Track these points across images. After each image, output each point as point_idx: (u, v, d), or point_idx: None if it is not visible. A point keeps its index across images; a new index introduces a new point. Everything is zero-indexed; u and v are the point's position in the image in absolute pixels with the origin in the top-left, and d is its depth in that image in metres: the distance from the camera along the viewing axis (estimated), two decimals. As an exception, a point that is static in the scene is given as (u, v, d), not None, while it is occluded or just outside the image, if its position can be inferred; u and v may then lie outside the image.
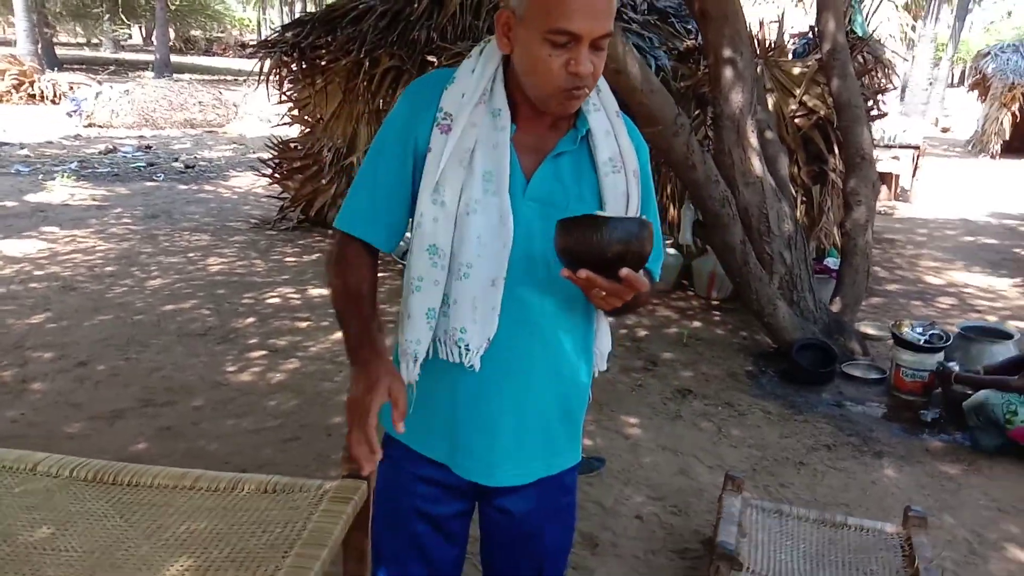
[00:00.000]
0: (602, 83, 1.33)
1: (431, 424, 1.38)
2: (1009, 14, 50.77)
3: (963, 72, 38.86)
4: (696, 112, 5.41)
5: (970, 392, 3.63)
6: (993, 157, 16.84)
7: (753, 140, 4.16)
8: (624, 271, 1.12)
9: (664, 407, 3.87)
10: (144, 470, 1.64)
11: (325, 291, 5.47)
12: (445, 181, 1.25)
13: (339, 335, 4.55)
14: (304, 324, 4.82)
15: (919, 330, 4.14)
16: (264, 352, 4.36)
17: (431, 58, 5.84)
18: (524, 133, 1.28)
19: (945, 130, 23.41)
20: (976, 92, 18.15)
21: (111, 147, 11.81)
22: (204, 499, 1.61)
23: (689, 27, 5.98)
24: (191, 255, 6.29)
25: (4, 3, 25.99)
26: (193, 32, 38.34)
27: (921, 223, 9.22)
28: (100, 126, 14.31)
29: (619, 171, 1.32)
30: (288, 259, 6.29)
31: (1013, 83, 16.14)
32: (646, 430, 3.60)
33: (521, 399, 1.35)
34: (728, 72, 4.03)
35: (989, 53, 17.22)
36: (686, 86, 5.40)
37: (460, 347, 1.29)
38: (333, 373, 4.09)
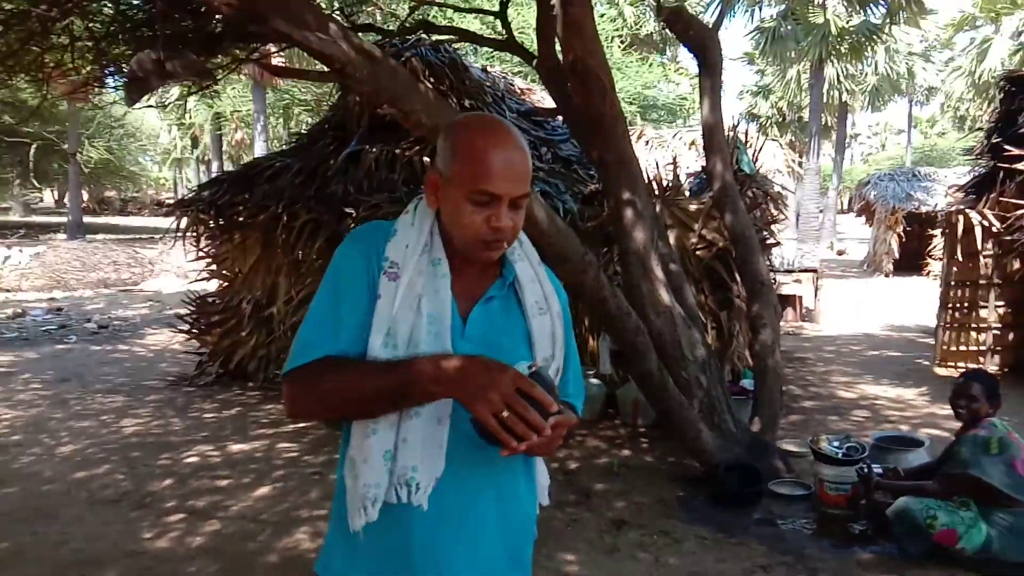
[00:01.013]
0: (523, 237, 1.47)
1: (383, 572, 1.37)
2: (883, 146, 55.78)
3: (850, 199, 42.00)
4: (605, 249, 5.69)
5: (891, 501, 3.74)
6: (887, 275, 18.01)
7: (658, 272, 4.40)
8: (552, 420, 1.21)
9: (601, 540, 3.84)
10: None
11: (245, 446, 5.33)
12: (397, 325, 1.32)
13: (261, 491, 4.45)
14: (224, 482, 4.65)
15: (836, 444, 4.28)
16: (183, 515, 4.16)
17: (348, 210, 6.02)
18: (457, 280, 1.39)
19: (840, 253, 25.03)
20: (863, 217, 19.61)
21: (19, 311, 11.46)
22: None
23: (591, 172, 6.39)
24: (104, 418, 6.05)
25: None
26: (107, 193, 38.23)
27: (828, 340, 9.68)
28: (8, 290, 13.92)
29: (545, 313, 1.45)
30: (207, 415, 6.12)
31: (894, 207, 17.55)
32: (584, 566, 3.56)
33: (474, 538, 1.38)
34: (629, 212, 4.31)
35: (869, 182, 18.81)
36: (593, 226, 5.71)
37: (411, 486, 1.31)
38: (256, 532, 3.92)
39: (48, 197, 41.78)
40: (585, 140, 4.56)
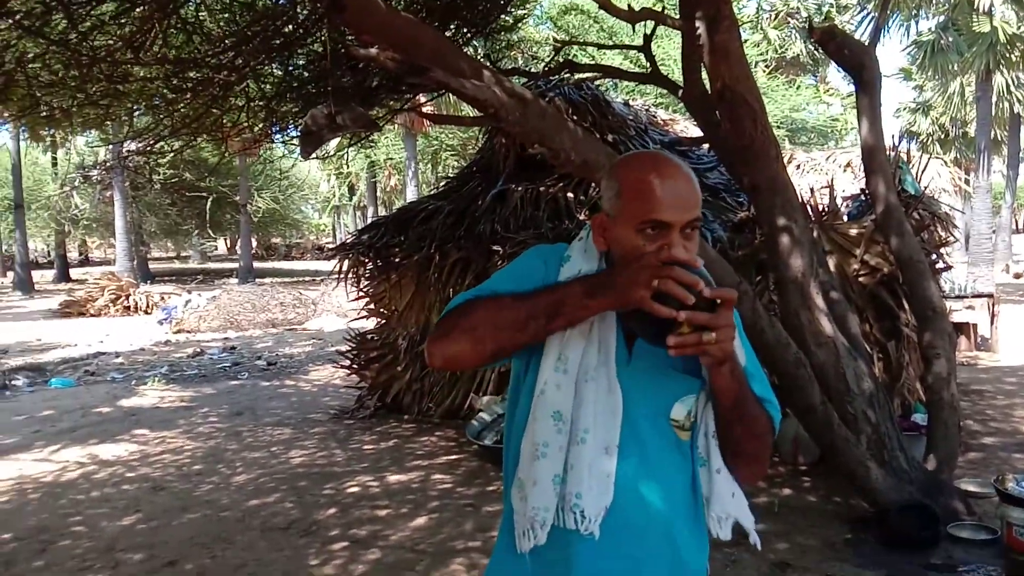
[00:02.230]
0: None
1: None
2: (1063, 159, 50.90)
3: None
4: (758, 278, 5.51)
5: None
6: (1075, 299, 16.32)
7: (819, 301, 4.20)
8: (710, 292, 1.17)
9: (762, 583, 3.67)
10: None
11: (403, 476, 5.51)
12: (568, 349, 1.33)
13: (418, 521, 4.58)
14: (384, 512, 4.83)
15: (1026, 484, 3.90)
16: (345, 543, 4.35)
17: (496, 247, 6.18)
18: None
19: (1018, 276, 22.96)
20: (1044, 237, 17.92)
21: (198, 350, 12.46)
22: None
23: (740, 200, 6.23)
24: (273, 449, 6.45)
25: (107, 227, 28.62)
26: (274, 240, 41.19)
27: (1008, 371, 8.86)
28: (188, 331, 15.16)
29: None
30: (367, 447, 6.39)
31: (1080, 226, 15.92)
32: (745, 609, 3.41)
33: (635, 568, 1.36)
34: (784, 239, 4.16)
35: (1050, 198, 17.16)
36: (744, 254, 5.54)
37: (576, 513, 1.31)
38: (414, 562, 4.03)
39: (221, 245, 45.53)
40: (735, 167, 4.46)
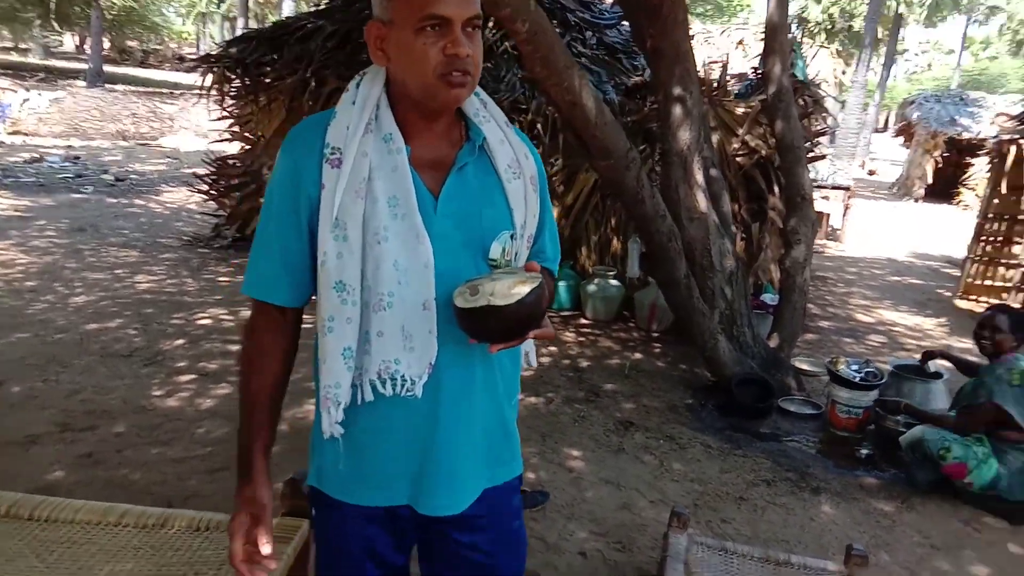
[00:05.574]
0: (487, 97, 1.34)
1: (385, 471, 1.31)
2: (929, 66, 53.58)
3: (887, 118, 40.70)
4: (643, 147, 5.47)
5: (903, 429, 3.71)
6: (916, 200, 17.62)
7: (699, 177, 4.22)
8: (532, 333, 1.23)
9: (607, 439, 3.84)
10: (64, 504, 1.54)
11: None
12: (345, 215, 1.20)
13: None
14: (236, 347, 4.65)
15: (855, 367, 4.22)
16: (193, 376, 4.18)
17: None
18: (420, 152, 1.25)
19: (871, 173, 24.46)
20: (901, 138, 19.00)
21: (37, 156, 11.38)
22: (130, 536, 1.52)
23: (636, 63, 6.07)
24: (118, 272, 6.04)
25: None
26: (129, 42, 37.31)
27: (851, 262, 9.53)
28: (26, 134, 13.77)
29: (519, 177, 1.32)
30: (221, 279, 6.10)
31: (935, 131, 16.96)
32: (589, 463, 3.57)
33: (470, 419, 1.31)
34: (677, 109, 4.08)
35: (914, 101, 18.08)
36: (633, 121, 5.46)
37: (396, 379, 1.22)
38: (267, 399, 3.94)
39: (68, 41, 40.87)
40: (640, 27, 4.26)
